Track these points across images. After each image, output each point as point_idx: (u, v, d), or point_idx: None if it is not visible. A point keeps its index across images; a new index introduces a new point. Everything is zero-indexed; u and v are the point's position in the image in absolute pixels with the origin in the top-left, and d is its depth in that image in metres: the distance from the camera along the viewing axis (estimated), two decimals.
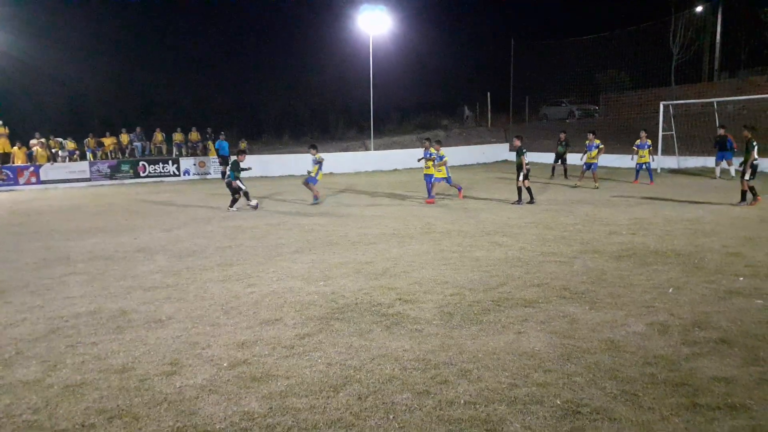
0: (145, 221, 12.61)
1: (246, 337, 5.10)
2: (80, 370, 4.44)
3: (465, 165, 27.88)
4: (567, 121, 32.48)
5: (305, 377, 4.23)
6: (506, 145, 30.68)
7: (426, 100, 38.75)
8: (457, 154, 27.15)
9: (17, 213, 14.95)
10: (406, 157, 25.90)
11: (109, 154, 27.73)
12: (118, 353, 4.78)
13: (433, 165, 14.80)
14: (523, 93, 33.66)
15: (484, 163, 29.40)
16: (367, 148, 30.68)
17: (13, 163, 24.38)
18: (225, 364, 4.49)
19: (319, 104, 38.27)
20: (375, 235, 10.06)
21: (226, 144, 26.16)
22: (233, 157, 14.80)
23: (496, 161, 30.01)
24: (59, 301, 6.37)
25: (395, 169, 26.57)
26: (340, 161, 26.11)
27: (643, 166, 17.92)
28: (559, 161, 20.37)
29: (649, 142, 17.86)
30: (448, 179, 15.04)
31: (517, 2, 54.17)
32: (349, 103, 37.03)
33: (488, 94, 36.19)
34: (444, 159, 14.86)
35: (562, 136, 20.31)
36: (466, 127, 36.67)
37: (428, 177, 15.01)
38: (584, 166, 17.30)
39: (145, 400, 3.90)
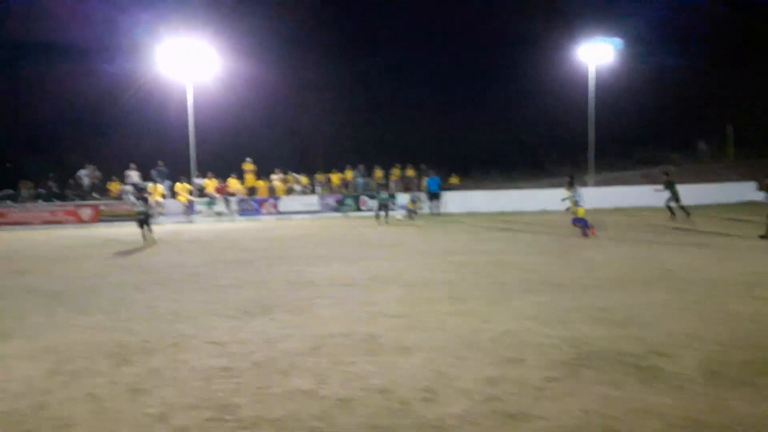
0: (369, 252, 13.59)
1: (492, 373, 5.13)
2: (346, 387, 4.87)
3: (700, 204, 24.93)
4: None
5: (562, 421, 4.10)
6: (753, 184, 26.86)
7: (650, 132, 35.89)
8: (690, 193, 24.52)
9: (261, 239, 17.25)
10: (630, 195, 24.30)
11: (332, 188, 30.72)
12: (375, 374, 5.15)
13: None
14: None
15: (726, 204, 26.08)
16: (584, 184, 29.39)
17: (257, 195, 28.36)
18: (478, 398, 4.55)
19: (528, 138, 37.79)
20: (608, 279, 9.48)
21: (436, 180, 27.29)
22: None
23: (740, 201, 26.42)
24: (314, 321, 7.11)
25: (616, 208, 24.95)
26: (554, 199, 25.34)
27: None
28: None
29: None
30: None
31: None
32: (565, 136, 35.95)
33: (730, 126, 32.34)
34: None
35: None
36: (700, 161, 33.16)
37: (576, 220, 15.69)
38: None
39: (411, 423, 4.13)
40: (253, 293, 8.87)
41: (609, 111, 32.20)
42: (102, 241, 17.90)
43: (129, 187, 28.83)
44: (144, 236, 16.06)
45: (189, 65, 26.22)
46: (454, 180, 31.61)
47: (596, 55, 28.35)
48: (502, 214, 23.94)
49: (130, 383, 5.03)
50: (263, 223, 24.28)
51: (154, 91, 30.59)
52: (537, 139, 37.39)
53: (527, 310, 7.42)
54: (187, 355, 5.78)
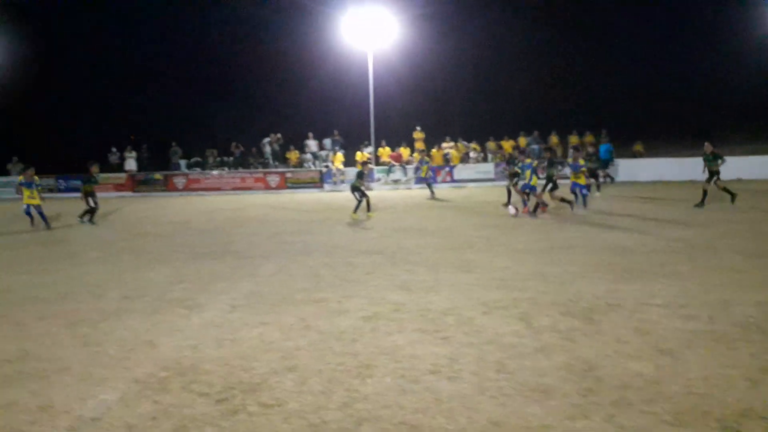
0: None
1: None
2: None
3: None
4: None
5: None
6: None
7: None
8: None
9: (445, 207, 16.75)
10: None
11: (504, 156, 29.64)
12: None
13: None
14: None
15: None
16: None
17: (432, 163, 28.10)
18: None
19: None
20: None
21: (606, 146, 25.27)
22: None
23: None
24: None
25: None
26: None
27: None
28: None
29: None
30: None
31: None
32: None
33: None
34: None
35: None
36: None
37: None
38: None
39: None
40: None
41: None
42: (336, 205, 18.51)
43: (308, 155, 30.05)
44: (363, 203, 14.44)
45: (370, 33, 26.28)
46: (638, 147, 29.10)
47: None
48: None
49: None
50: (439, 191, 23.94)
51: (333, 59, 31.19)
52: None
53: None
54: None
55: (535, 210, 13.53)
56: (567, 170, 16.65)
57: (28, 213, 14.07)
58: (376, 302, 6.13)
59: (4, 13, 34.13)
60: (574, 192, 14.90)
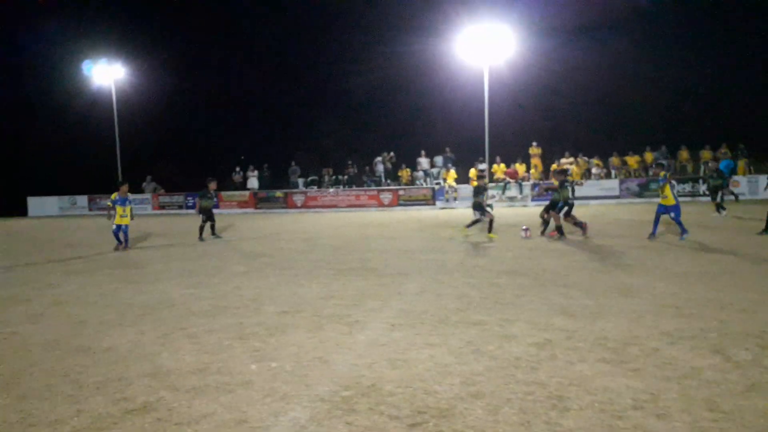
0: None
1: None
2: None
3: None
4: None
5: None
6: None
7: None
8: None
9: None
10: None
11: (632, 172, 27.98)
12: None
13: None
14: None
15: None
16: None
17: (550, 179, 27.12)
18: None
19: None
20: None
21: (727, 162, 22.90)
22: None
23: None
24: None
25: None
26: None
27: None
28: None
29: None
30: None
31: None
32: None
33: None
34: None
35: None
36: None
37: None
38: None
39: None
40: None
41: None
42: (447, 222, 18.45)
43: (420, 173, 30.15)
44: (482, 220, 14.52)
45: (486, 49, 26.02)
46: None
47: None
48: None
49: None
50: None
51: (446, 77, 31.26)
52: None
53: None
54: None
55: (560, 232, 13.22)
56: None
57: (117, 234, 13.57)
58: (541, 328, 5.80)
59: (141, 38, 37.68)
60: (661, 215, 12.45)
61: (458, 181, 28.08)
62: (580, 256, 10.36)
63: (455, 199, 26.73)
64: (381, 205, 28.73)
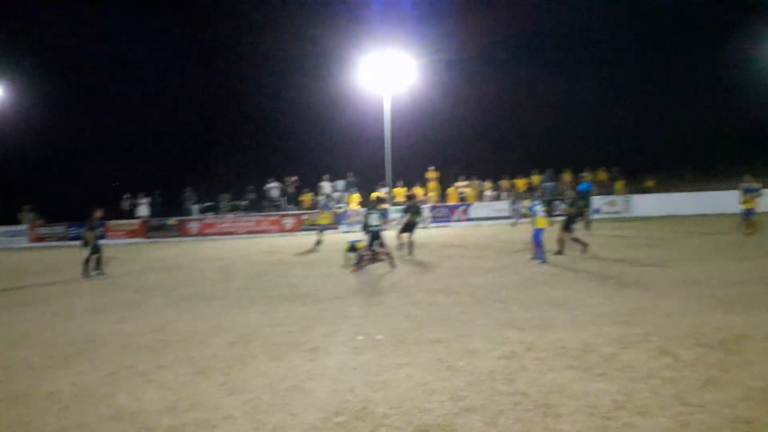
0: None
1: None
2: None
3: None
4: None
5: None
6: None
7: None
8: None
9: (455, 246, 16.84)
10: None
11: (518, 194, 29.92)
12: None
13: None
14: None
15: None
16: None
17: (447, 202, 28.32)
18: None
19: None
20: None
21: (584, 186, 25.37)
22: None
23: None
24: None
25: None
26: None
27: None
28: None
29: None
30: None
31: None
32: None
33: None
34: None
35: None
36: None
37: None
38: None
39: None
40: None
41: None
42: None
43: (322, 198, 30.11)
44: (404, 242, 15.07)
45: (387, 77, 26.80)
46: (649, 183, 29.59)
47: None
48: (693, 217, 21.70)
49: None
50: (453, 230, 24.03)
51: (349, 102, 31.67)
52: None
53: None
54: None
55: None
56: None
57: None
58: (499, 341, 6.07)
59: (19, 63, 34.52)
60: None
61: (362, 204, 28.37)
62: (500, 274, 10.90)
63: (359, 222, 26.96)
64: (283, 230, 28.26)
